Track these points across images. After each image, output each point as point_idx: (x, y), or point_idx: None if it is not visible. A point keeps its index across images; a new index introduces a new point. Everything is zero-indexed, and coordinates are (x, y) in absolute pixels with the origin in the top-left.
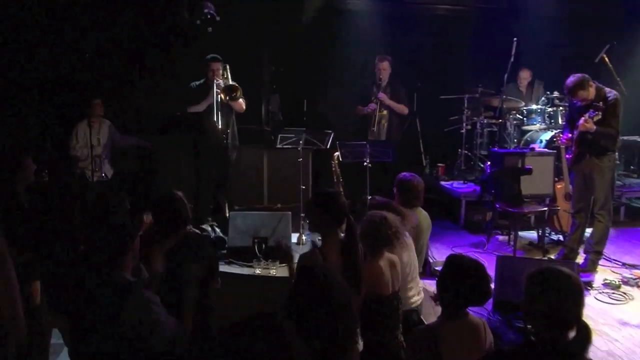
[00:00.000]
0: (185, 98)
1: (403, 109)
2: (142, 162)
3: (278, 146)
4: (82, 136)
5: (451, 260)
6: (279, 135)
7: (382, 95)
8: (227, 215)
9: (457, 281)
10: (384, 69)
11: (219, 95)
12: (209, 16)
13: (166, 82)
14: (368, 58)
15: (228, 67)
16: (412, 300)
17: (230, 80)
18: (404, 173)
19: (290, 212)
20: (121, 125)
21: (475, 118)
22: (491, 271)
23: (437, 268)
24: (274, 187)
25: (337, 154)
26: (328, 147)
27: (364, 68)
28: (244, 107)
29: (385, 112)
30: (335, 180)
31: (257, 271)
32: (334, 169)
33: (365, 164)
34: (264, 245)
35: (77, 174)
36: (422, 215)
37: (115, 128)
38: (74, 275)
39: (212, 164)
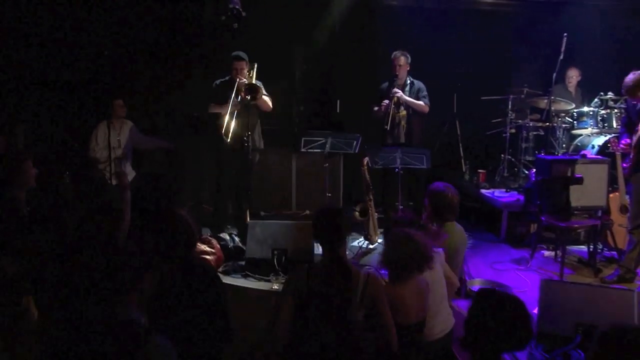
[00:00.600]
0: (207, 97)
1: (423, 107)
2: (165, 165)
3: (302, 150)
4: (103, 138)
5: (482, 297)
6: (303, 139)
7: (397, 90)
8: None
9: (489, 325)
10: (401, 64)
11: (240, 95)
12: (234, 12)
13: (190, 81)
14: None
15: (256, 66)
16: (438, 329)
17: (253, 79)
18: (437, 183)
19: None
20: (143, 127)
21: (520, 121)
22: (534, 292)
23: (473, 288)
24: (303, 193)
25: (366, 159)
26: (357, 151)
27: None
28: (271, 105)
29: (404, 112)
30: (364, 187)
31: (275, 286)
32: (363, 175)
33: (396, 170)
34: (283, 258)
35: (96, 177)
36: (457, 232)
37: (137, 129)
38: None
39: (233, 168)
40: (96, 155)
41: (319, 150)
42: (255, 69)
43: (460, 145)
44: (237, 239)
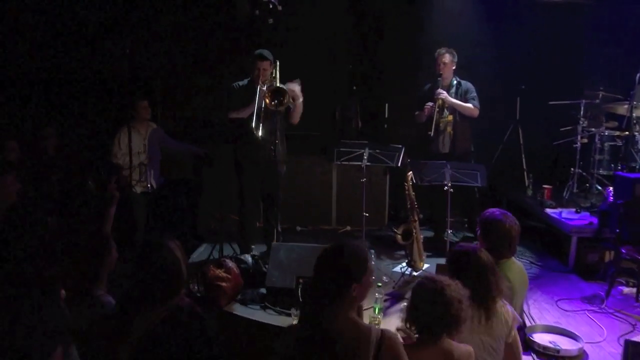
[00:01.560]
0: (226, 101)
1: (472, 110)
2: (196, 172)
3: (336, 162)
4: (126, 142)
5: None
6: (335, 150)
7: (442, 91)
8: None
9: None
10: (446, 62)
11: (263, 100)
12: (270, 5)
13: (220, 82)
14: (464, 55)
15: (278, 65)
16: None
17: (277, 81)
18: (493, 211)
19: None
20: (169, 130)
21: (593, 129)
22: (612, 346)
23: (534, 338)
24: (345, 207)
25: (410, 174)
26: (399, 165)
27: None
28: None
29: (450, 116)
30: (408, 205)
31: (295, 322)
32: (407, 192)
33: (445, 188)
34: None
35: (119, 185)
36: (516, 271)
37: (164, 133)
38: None
39: (258, 180)
40: (119, 162)
41: (356, 163)
42: (277, 69)
43: (523, 156)
44: (260, 261)
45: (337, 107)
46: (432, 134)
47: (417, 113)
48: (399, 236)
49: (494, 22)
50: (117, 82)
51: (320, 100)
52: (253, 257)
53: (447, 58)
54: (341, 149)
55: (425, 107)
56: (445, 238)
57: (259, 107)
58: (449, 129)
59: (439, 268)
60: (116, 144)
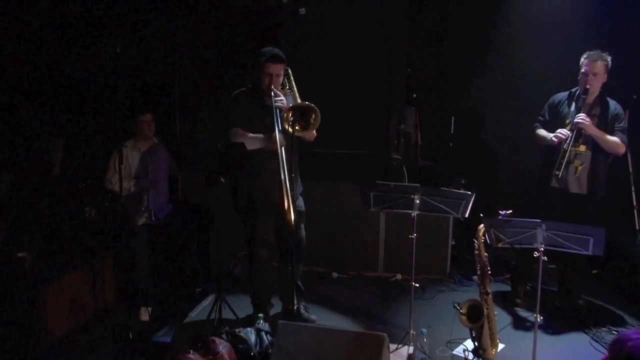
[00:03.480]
0: (226, 118)
1: (617, 145)
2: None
3: (372, 210)
4: (125, 164)
5: None
6: (371, 194)
7: (584, 118)
8: (297, 306)
9: None
10: (596, 73)
11: (279, 116)
12: None
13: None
14: (573, 56)
15: (290, 72)
16: None
17: (296, 93)
18: (630, 334)
19: (386, 336)
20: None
21: None
22: None
23: None
24: (395, 248)
25: (482, 227)
26: (466, 217)
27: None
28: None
29: (583, 147)
30: (478, 270)
31: None
32: (477, 252)
33: (536, 254)
34: None
35: (118, 216)
36: None
37: (169, 153)
38: None
39: (274, 222)
40: (114, 187)
41: (405, 211)
42: (291, 76)
43: (633, 189)
44: (268, 336)
45: (390, 119)
46: (559, 174)
47: (538, 132)
48: (463, 317)
49: (604, 17)
50: (120, 87)
51: (369, 110)
52: (259, 332)
53: (599, 67)
54: (378, 193)
55: (559, 135)
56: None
57: (276, 123)
58: (582, 165)
59: None
60: (112, 166)
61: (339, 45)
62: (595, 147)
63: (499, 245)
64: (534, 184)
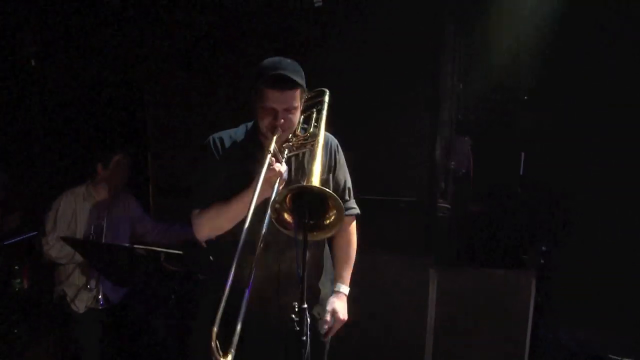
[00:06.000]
0: (196, 183)
1: None
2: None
3: None
4: (70, 219)
5: None
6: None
7: None
8: None
9: None
10: None
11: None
12: None
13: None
14: None
15: (327, 98)
16: None
17: (318, 158)
18: None
19: None
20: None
21: None
22: None
23: None
24: (449, 338)
25: None
26: None
27: None
28: None
29: None
30: None
31: None
32: None
33: None
34: None
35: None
36: None
37: (139, 204)
38: None
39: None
40: (50, 252)
41: None
42: (325, 107)
43: None
44: None
45: (435, 152)
46: None
47: None
48: None
49: None
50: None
51: (407, 141)
52: None
53: None
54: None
55: None
56: None
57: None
58: None
59: None
60: (51, 220)
61: (365, 52)
62: None
63: None
64: None
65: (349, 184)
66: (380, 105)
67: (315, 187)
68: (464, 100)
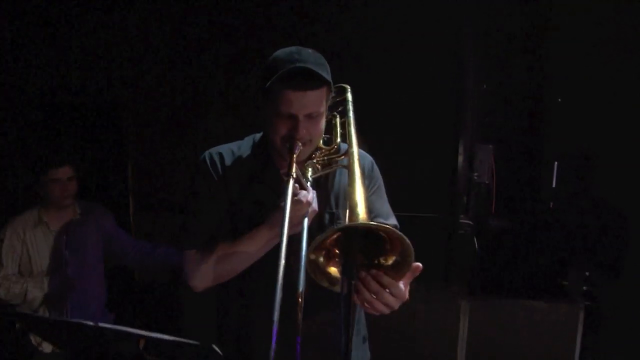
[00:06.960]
0: (188, 220)
1: None
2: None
3: None
4: (20, 252)
5: None
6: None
7: None
8: None
9: None
10: None
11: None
12: None
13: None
14: None
15: (350, 97)
16: None
17: (358, 175)
18: None
19: None
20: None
21: None
22: None
23: None
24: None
25: None
26: None
27: None
28: None
29: None
30: None
31: None
32: None
33: None
34: None
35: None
36: None
37: (113, 220)
38: None
39: None
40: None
41: None
42: (351, 108)
43: None
44: None
45: (457, 163)
46: None
47: None
48: None
49: None
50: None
51: (426, 150)
52: None
53: None
54: None
55: None
56: None
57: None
58: None
59: None
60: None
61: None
62: None
63: None
64: None
65: (393, 217)
66: (401, 111)
67: (368, 223)
68: (488, 103)
